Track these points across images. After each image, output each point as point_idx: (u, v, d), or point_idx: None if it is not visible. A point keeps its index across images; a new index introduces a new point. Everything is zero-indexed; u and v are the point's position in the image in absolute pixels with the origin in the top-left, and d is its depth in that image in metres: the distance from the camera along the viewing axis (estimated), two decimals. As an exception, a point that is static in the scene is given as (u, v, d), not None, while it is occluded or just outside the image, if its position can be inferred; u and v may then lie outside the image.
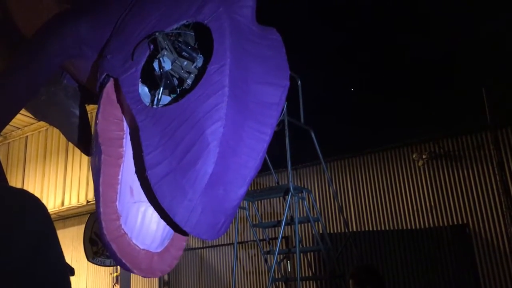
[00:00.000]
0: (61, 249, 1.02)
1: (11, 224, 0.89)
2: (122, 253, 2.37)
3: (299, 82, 7.26)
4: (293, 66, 3.22)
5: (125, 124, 2.84)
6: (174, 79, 2.83)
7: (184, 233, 2.53)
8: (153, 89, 2.92)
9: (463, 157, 8.76)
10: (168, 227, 2.58)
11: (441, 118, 9.83)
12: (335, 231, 9.72)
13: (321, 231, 8.07)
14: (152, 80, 2.89)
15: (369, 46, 11.61)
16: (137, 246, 2.46)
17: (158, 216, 2.55)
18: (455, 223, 8.58)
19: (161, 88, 2.81)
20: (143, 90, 2.98)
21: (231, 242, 10.73)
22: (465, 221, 8.50)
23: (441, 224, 8.71)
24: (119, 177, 2.60)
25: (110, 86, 2.90)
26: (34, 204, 0.98)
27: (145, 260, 2.45)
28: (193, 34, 3.02)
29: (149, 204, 2.57)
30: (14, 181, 13.73)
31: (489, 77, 9.56)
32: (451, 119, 9.57)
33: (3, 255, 0.83)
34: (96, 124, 2.75)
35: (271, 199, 10.31)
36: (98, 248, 9.91)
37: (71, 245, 12.62)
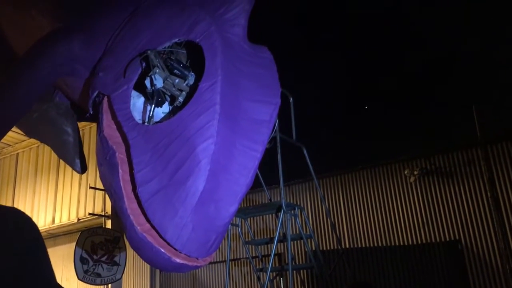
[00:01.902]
0: (51, 267, 1.02)
1: (1, 242, 0.89)
2: (159, 243, 2.28)
3: (291, 99, 7.31)
4: (285, 83, 3.25)
5: None
6: (166, 96, 2.85)
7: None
8: (148, 101, 2.94)
9: (454, 173, 8.81)
10: None
11: (432, 134, 9.90)
12: (328, 248, 9.69)
13: (313, 248, 8.04)
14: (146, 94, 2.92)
15: (360, 63, 11.73)
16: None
17: None
18: (447, 239, 8.59)
19: (153, 106, 2.83)
20: (138, 102, 3.00)
21: (223, 259, 10.65)
22: (457, 237, 8.51)
23: (433, 240, 8.72)
24: None
25: (107, 100, 2.93)
26: (24, 222, 0.98)
27: None
28: (185, 52, 3.05)
29: None
30: (5, 198, 13.60)
31: (479, 94, 9.68)
32: (442, 136, 9.64)
33: None
34: (101, 131, 2.76)
35: (264, 216, 10.29)
36: (89, 267, 9.80)
37: (62, 263, 12.46)
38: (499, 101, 9.23)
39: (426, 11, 11.15)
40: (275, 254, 7.49)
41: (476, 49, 10.13)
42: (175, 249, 2.30)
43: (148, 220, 2.34)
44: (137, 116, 2.86)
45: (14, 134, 12.28)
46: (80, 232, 10.44)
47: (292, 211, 6.89)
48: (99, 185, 10.35)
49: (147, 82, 2.77)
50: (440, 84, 10.81)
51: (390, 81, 11.23)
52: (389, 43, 11.49)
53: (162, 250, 2.27)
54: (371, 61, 11.55)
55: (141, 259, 2.49)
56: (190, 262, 2.33)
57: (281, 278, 8.79)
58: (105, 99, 2.90)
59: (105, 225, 11.50)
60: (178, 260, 2.28)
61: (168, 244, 2.29)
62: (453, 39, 10.65)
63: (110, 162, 2.59)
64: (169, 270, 2.41)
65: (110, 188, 2.55)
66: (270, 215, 9.86)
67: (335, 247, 9.33)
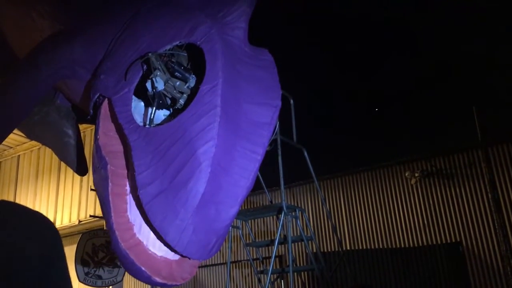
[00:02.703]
0: (68, 274, 1.03)
1: (22, 246, 0.90)
2: (141, 261, 2.34)
3: (292, 101, 7.31)
4: (285, 84, 3.25)
5: None
6: (167, 99, 2.86)
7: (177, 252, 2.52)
8: (149, 105, 2.94)
9: (455, 175, 8.80)
10: None
11: (433, 136, 9.90)
12: (329, 250, 9.68)
13: (314, 250, 8.04)
14: (147, 97, 2.92)
15: (360, 64, 11.73)
16: (155, 254, 2.43)
17: None
18: (448, 241, 8.58)
19: (154, 108, 2.83)
20: (139, 105, 3.01)
21: (224, 261, 10.65)
22: (458, 239, 8.50)
23: (434, 242, 8.71)
24: (127, 187, 2.61)
25: (106, 104, 2.93)
26: (46, 227, 0.99)
27: (165, 267, 2.41)
28: (186, 54, 3.06)
29: None
30: (6, 201, 13.55)
31: (479, 95, 9.67)
32: (442, 138, 9.63)
33: (12, 275, 0.84)
34: (97, 139, 2.76)
35: (265, 218, 10.28)
36: (90, 269, 9.80)
37: (63, 265, 12.42)
38: (500, 102, 9.22)
39: (428, 12, 11.16)
40: (276, 256, 7.48)
41: (476, 50, 10.12)
42: (175, 251, 2.31)
43: (149, 222, 2.34)
44: (138, 119, 2.86)
45: (15, 136, 12.28)
46: (81, 234, 10.44)
47: (293, 213, 6.88)
48: (100, 187, 10.33)
49: (148, 84, 2.78)
50: (440, 86, 10.80)
51: (390, 82, 11.23)
52: (388, 44, 11.49)
53: (143, 268, 2.33)
54: (371, 62, 11.56)
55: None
56: (170, 281, 2.39)
57: (282, 280, 8.79)
58: (103, 104, 2.91)
59: (106, 227, 11.48)
60: (157, 280, 2.34)
61: (169, 246, 2.29)
62: (453, 40, 10.65)
63: (101, 174, 2.62)
64: (152, 285, 2.45)
65: (101, 198, 2.60)
66: (271, 217, 9.86)
67: (336, 249, 9.32)
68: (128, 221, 2.47)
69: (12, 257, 0.86)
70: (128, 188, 2.59)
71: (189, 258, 2.42)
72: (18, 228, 0.93)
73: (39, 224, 0.99)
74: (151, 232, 2.46)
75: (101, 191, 2.58)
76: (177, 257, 2.50)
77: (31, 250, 0.90)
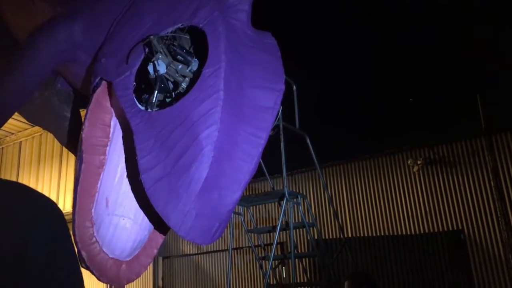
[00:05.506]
0: (76, 256, 1.01)
1: (28, 229, 0.87)
2: (91, 262, 2.43)
3: (294, 87, 7.26)
4: (290, 72, 3.21)
5: (111, 130, 2.84)
6: (169, 82, 2.82)
7: (164, 232, 2.59)
8: (146, 93, 2.91)
9: (458, 163, 8.78)
10: (138, 239, 2.64)
11: (436, 124, 9.87)
12: (330, 237, 9.70)
13: (316, 237, 8.04)
14: (146, 84, 2.87)
15: (365, 53, 11.66)
16: (107, 255, 2.52)
17: (130, 229, 2.62)
18: (450, 229, 8.59)
19: (156, 92, 2.79)
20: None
21: (226, 247, 10.69)
22: (460, 227, 8.50)
23: (436, 230, 8.71)
24: (98, 185, 2.63)
25: (100, 91, 2.89)
26: (52, 210, 0.97)
27: (113, 269, 2.51)
28: (188, 37, 3.01)
29: (122, 217, 2.63)
30: (8, 187, 13.58)
31: (483, 83, 9.61)
32: (445, 125, 9.60)
33: (19, 260, 0.82)
34: (82, 129, 2.74)
35: (267, 204, 10.29)
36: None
37: (65, 251, 12.47)
38: (504, 90, 9.16)
39: (432, 3, 11.08)
40: (277, 243, 7.50)
41: (481, 39, 10.03)
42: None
43: (151, 207, 2.32)
44: (139, 103, 2.83)
45: (17, 123, 12.28)
46: (83, 220, 10.46)
47: (295, 200, 6.88)
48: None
49: (150, 68, 2.73)
50: (444, 74, 10.74)
51: (394, 71, 11.17)
52: (392, 35, 11.42)
53: (90, 268, 2.44)
54: (376, 51, 11.50)
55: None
56: (114, 283, 2.54)
57: (284, 267, 8.82)
58: (95, 93, 2.87)
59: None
60: (102, 280, 2.48)
61: (172, 229, 2.28)
62: (457, 28, 10.56)
63: (76, 169, 2.68)
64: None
65: (73, 193, 2.68)
66: (273, 204, 9.87)
67: (338, 236, 9.33)
68: (90, 219, 2.53)
69: (18, 243, 0.84)
70: (98, 186, 2.63)
71: (188, 242, 2.42)
72: (22, 211, 0.90)
73: (42, 205, 0.96)
74: (108, 234, 2.56)
75: (74, 185, 2.65)
76: (128, 258, 2.59)
77: (37, 234, 0.88)
